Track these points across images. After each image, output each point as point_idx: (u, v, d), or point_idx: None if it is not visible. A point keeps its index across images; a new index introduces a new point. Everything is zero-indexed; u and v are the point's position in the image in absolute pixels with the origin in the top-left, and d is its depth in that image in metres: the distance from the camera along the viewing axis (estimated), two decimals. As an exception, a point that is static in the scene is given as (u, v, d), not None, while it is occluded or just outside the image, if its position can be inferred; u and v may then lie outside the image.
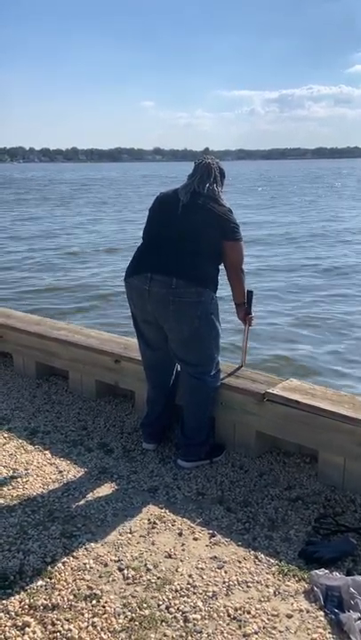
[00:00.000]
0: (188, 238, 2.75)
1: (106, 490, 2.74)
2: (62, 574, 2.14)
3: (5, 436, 3.31)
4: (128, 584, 2.10)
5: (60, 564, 2.19)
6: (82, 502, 2.63)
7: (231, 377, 3.07)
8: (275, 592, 2.07)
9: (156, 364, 3.06)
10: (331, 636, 1.87)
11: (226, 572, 2.17)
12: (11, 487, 2.75)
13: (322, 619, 1.94)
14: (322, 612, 1.97)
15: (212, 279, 2.83)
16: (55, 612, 1.96)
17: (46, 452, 3.13)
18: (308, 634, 1.88)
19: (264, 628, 1.90)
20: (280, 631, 1.89)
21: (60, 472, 2.91)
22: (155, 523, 2.48)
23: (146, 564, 2.20)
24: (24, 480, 2.81)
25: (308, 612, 1.98)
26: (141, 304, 2.84)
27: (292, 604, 2.02)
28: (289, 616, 1.96)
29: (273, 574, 2.17)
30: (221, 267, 2.89)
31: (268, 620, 1.94)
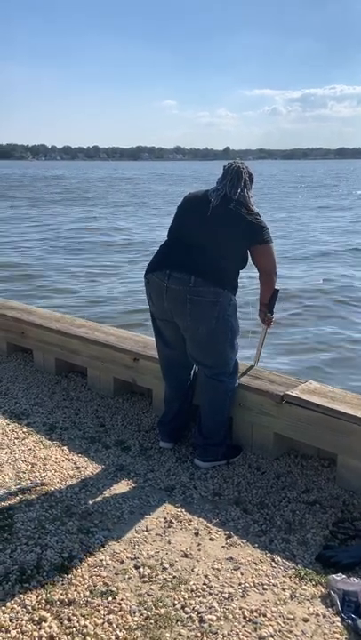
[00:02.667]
0: (213, 240, 2.73)
1: (123, 487, 2.75)
2: (79, 570, 2.16)
3: (24, 430, 3.34)
4: (144, 582, 2.11)
5: (76, 560, 2.21)
6: (99, 499, 2.64)
7: (250, 377, 3.06)
8: (291, 595, 2.06)
9: (174, 362, 3.07)
10: (347, 641, 1.85)
11: (242, 574, 2.16)
12: (29, 482, 2.77)
13: (338, 624, 1.93)
14: (338, 618, 1.95)
15: (231, 281, 2.81)
16: (71, 607, 1.97)
17: (64, 447, 3.15)
18: (325, 639, 1.87)
19: (280, 631, 1.89)
20: (296, 635, 1.88)
21: (78, 468, 2.93)
22: (171, 522, 2.48)
23: (162, 563, 2.21)
24: (42, 475, 2.83)
25: (324, 616, 1.96)
26: (159, 301, 2.84)
27: (308, 607, 2.00)
28: (305, 620, 1.94)
29: (289, 577, 2.15)
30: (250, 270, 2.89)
31: (284, 623, 1.93)
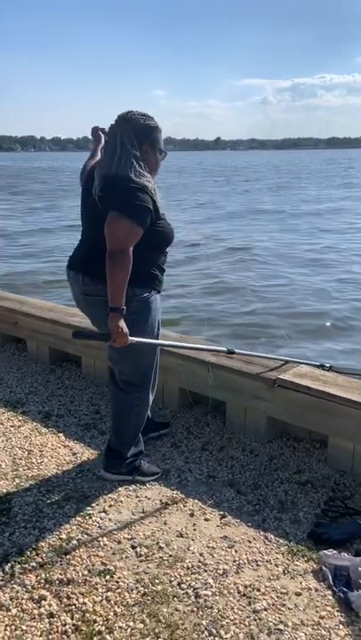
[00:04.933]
0: (95, 229, 2.31)
1: (119, 472, 2.80)
2: (77, 551, 2.20)
3: (20, 418, 3.38)
4: (141, 561, 2.16)
5: (74, 541, 2.26)
6: (95, 483, 2.69)
7: (242, 363, 3.11)
8: (284, 571, 2.12)
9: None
10: (339, 613, 1.92)
11: (236, 551, 2.22)
12: (26, 468, 2.81)
13: (330, 597, 1.99)
14: (330, 591, 2.01)
15: (133, 273, 2.26)
16: (70, 586, 2.02)
17: (60, 434, 3.19)
18: (317, 611, 1.93)
19: (273, 604, 1.95)
20: (289, 608, 1.94)
21: (74, 454, 2.97)
22: (167, 504, 2.53)
23: (158, 543, 2.26)
24: (39, 461, 2.87)
25: (316, 590, 2.02)
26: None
27: (300, 582, 2.06)
28: (298, 594, 2.00)
29: (282, 554, 2.21)
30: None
31: (278, 597, 1.99)
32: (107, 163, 2.35)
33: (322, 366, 3.14)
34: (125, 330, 2.27)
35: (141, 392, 2.64)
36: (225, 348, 3.00)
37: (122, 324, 2.25)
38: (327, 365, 3.17)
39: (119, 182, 2.28)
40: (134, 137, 2.33)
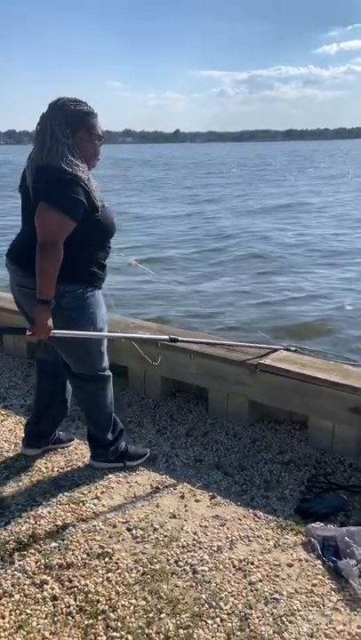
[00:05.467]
0: (29, 220, 2.29)
1: (107, 460, 2.85)
2: (74, 536, 2.25)
3: (3, 413, 3.38)
4: (137, 542, 2.22)
5: (70, 527, 2.30)
6: (85, 472, 2.73)
7: (226, 350, 3.19)
8: (275, 544, 2.22)
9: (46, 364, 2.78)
10: (329, 581, 2.03)
11: (228, 529, 2.31)
12: (15, 460, 2.83)
13: (320, 566, 2.10)
14: (320, 561, 2.12)
15: (65, 269, 2.22)
16: (70, 570, 2.07)
17: (45, 426, 3.20)
18: (309, 580, 2.03)
19: (268, 576, 2.05)
20: (283, 578, 2.04)
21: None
22: (157, 488, 2.60)
23: (152, 524, 2.32)
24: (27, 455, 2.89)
25: (306, 561, 2.13)
26: None
27: (291, 554, 2.17)
28: (290, 565, 2.11)
29: (272, 529, 2.31)
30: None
31: (271, 569, 2.09)
32: (37, 153, 2.29)
33: (287, 349, 3.24)
34: (49, 323, 2.24)
35: (98, 378, 2.62)
36: (167, 337, 2.92)
37: (46, 315, 2.22)
38: (292, 348, 3.27)
39: (50, 173, 2.23)
40: (65, 125, 2.26)
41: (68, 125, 2.27)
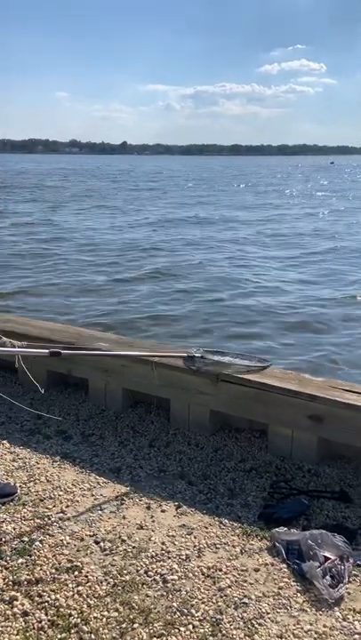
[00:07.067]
0: None
1: (70, 473, 2.83)
2: (41, 551, 2.23)
3: None
4: (106, 555, 2.22)
5: (37, 543, 2.27)
6: (48, 486, 2.70)
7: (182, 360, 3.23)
8: (241, 551, 2.28)
9: None
10: (295, 583, 2.10)
11: (195, 537, 2.35)
12: (-25, 476, 2.77)
13: (285, 570, 2.17)
14: (285, 565, 2.19)
15: None
16: (40, 585, 2.05)
17: (4, 441, 3.15)
18: (276, 583, 2.10)
19: (236, 581, 2.10)
20: (250, 583, 2.10)
21: (22, 459, 2.96)
22: (123, 499, 2.61)
23: (120, 536, 2.33)
24: (-13, 469, 2.84)
25: (272, 565, 2.20)
26: None
27: (257, 559, 2.23)
28: (256, 570, 2.17)
29: (238, 536, 2.37)
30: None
31: (239, 574, 2.14)
32: None
33: (192, 358, 3.14)
34: None
35: None
36: (47, 351, 2.77)
37: None
38: (198, 355, 3.17)
39: None
40: None
41: None
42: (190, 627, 1.88)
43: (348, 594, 2.05)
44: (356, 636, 1.87)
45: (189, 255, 12.66)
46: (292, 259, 12.81)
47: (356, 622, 1.92)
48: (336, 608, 1.99)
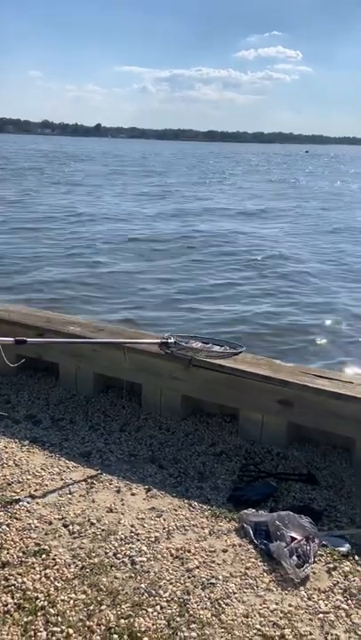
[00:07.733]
0: None
1: (39, 457, 2.81)
2: (8, 535, 2.21)
3: None
4: (74, 538, 2.22)
5: (4, 527, 2.25)
6: (17, 470, 2.68)
7: (156, 346, 3.23)
8: (210, 532, 2.30)
9: None
10: (262, 563, 2.13)
11: (165, 520, 2.36)
12: None
13: (253, 550, 2.20)
14: (252, 545, 2.22)
15: None
16: (6, 568, 2.03)
17: (-28, 426, 3.11)
18: (243, 563, 2.12)
19: (204, 562, 2.12)
20: (218, 564, 2.12)
21: (-10, 444, 2.92)
22: (92, 483, 2.60)
23: (89, 519, 2.33)
24: None
25: (240, 545, 2.22)
26: None
27: (225, 540, 2.25)
28: (224, 550, 2.19)
29: (206, 518, 2.39)
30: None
31: (207, 555, 2.16)
32: None
33: (165, 344, 3.16)
34: None
35: None
36: (12, 339, 2.78)
37: None
38: (172, 340, 3.18)
39: None
40: None
41: None
42: (158, 607, 1.89)
43: (314, 573, 2.09)
44: (321, 615, 1.90)
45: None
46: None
47: (320, 602, 1.96)
48: (302, 588, 2.02)
